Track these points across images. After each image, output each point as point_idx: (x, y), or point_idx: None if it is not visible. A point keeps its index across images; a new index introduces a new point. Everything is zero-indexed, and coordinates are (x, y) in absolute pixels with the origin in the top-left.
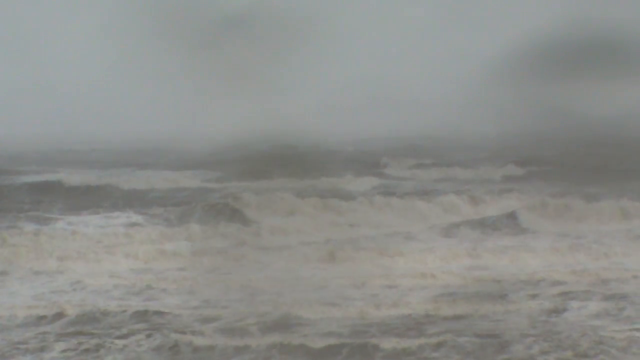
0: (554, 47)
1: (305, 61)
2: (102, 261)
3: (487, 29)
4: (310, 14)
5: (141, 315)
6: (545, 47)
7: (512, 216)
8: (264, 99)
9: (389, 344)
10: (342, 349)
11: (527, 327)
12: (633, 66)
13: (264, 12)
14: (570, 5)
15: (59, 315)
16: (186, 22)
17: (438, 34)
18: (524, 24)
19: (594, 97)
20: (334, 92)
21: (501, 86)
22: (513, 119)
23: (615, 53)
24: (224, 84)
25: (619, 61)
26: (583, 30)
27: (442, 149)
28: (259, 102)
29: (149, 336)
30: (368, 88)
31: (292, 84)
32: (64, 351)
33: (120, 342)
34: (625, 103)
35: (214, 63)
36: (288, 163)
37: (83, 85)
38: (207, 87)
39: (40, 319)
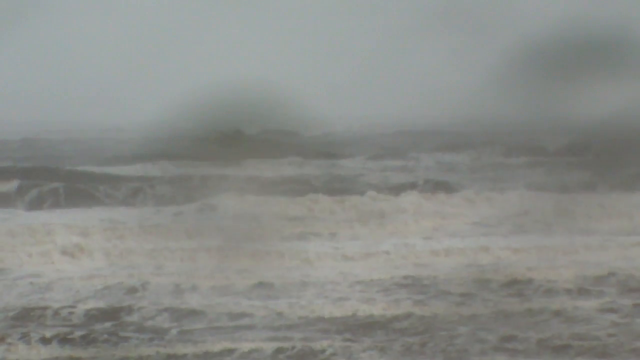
0: (553, 47)
1: None
2: None
3: (487, 29)
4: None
5: None
6: (544, 47)
7: None
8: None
9: None
10: None
11: None
12: (633, 66)
13: None
14: (570, 5)
15: None
16: None
17: (436, 35)
18: (523, 24)
19: (592, 97)
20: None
21: (501, 86)
22: (513, 118)
23: (615, 53)
24: None
25: (619, 61)
26: (583, 30)
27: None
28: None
29: None
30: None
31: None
32: None
33: None
34: (624, 103)
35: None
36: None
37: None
38: None
39: None
